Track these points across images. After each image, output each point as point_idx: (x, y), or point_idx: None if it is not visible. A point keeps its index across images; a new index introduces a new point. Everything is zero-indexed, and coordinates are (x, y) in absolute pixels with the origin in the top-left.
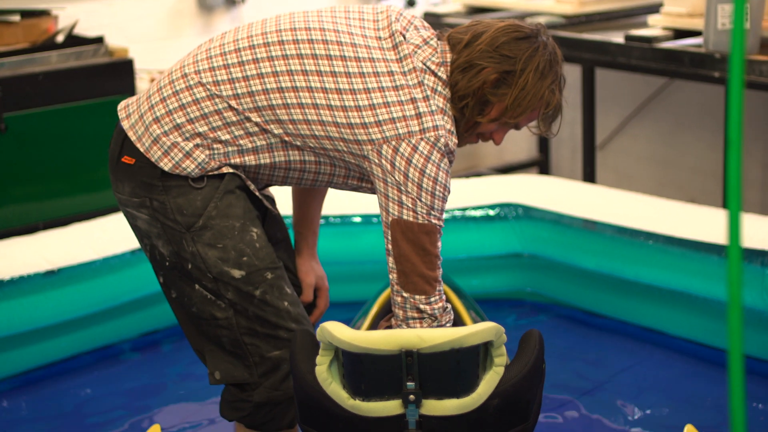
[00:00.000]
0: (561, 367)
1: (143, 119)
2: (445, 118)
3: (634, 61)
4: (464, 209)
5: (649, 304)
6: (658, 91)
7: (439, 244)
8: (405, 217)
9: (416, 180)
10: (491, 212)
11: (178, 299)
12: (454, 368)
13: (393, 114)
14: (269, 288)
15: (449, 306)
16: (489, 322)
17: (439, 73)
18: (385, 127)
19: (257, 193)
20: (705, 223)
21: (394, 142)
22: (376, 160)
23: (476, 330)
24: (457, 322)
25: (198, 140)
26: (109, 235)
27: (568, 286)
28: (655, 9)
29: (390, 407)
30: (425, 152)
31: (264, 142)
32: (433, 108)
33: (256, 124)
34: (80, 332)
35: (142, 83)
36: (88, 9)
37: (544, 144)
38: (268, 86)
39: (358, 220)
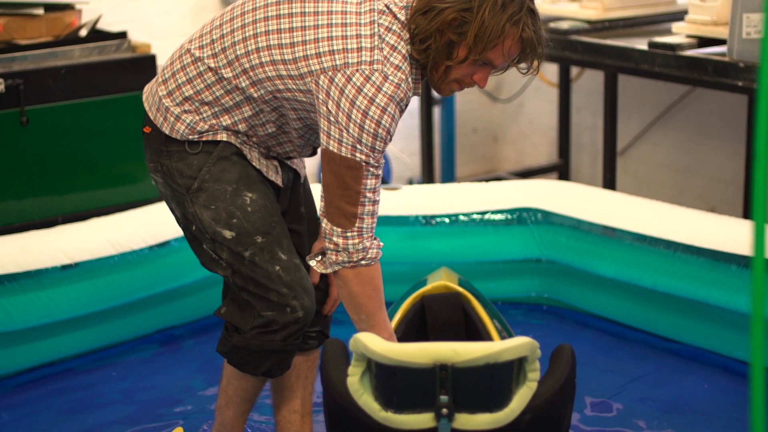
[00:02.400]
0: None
1: (152, 90)
2: (397, 56)
3: (657, 68)
4: (484, 213)
5: (666, 313)
6: (679, 99)
7: (368, 182)
8: (331, 147)
9: (346, 110)
10: (510, 216)
11: (198, 253)
12: (488, 383)
13: (333, 47)
14: (259, 251)
15: (373, 247)
16: (524, 338)
17: (399, 15)
18: (323, 59)
19: (254, 162)
20: (725, 233)
21: (330, 73)
22: (315, 92)
23: (512, 345)
24: (482, 332)
25: (187, 105)
26: (127, 231)
27: (586, 292)
28: (679, 17)
29: (422, 420)
30: (358, 83)
31: (240, 98)
32: (383, 46)
33: (229, 80)
34: (97, 327)
35: None
36: (112, 3)
37: (564, 149)
38: (236, 39)
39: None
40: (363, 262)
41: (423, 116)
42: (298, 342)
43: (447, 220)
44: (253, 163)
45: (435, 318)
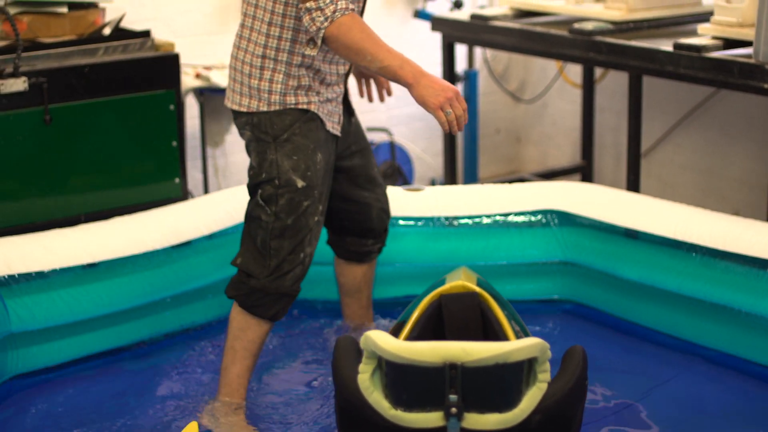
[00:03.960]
0: (598, 378)
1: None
2: None
3: (683, 69)
4: (506, 215)
5: (691, 317)
6: (704, 101)
7: None
8: None
9: None
10: (533, 218)
11: (248, 204)
12: (498, 383)
13: None
14: (312, 203)
15: (341, 0)
16: (534, 338)
17: None
18: None
19: (327, 125)
20: (750, 236)
21: None
22: None
23: (522, 346)
24: (498, 333)
25: (261, 51)
26: (150, 230)
27: (609, 295)
28: (704, 18)
29: (431, 419)
30: None
31: (279, 20)
32: None
33: (272, 12)
34: (119, 326)
35: (186, 78)
36: (134, 2)
37: (587, 150)
38: None
39: (402, 223)
40: (337, 14)
41: None
42: (299, 289)
43: (470, 221)
44: (327, 127)
45: (452, 317)
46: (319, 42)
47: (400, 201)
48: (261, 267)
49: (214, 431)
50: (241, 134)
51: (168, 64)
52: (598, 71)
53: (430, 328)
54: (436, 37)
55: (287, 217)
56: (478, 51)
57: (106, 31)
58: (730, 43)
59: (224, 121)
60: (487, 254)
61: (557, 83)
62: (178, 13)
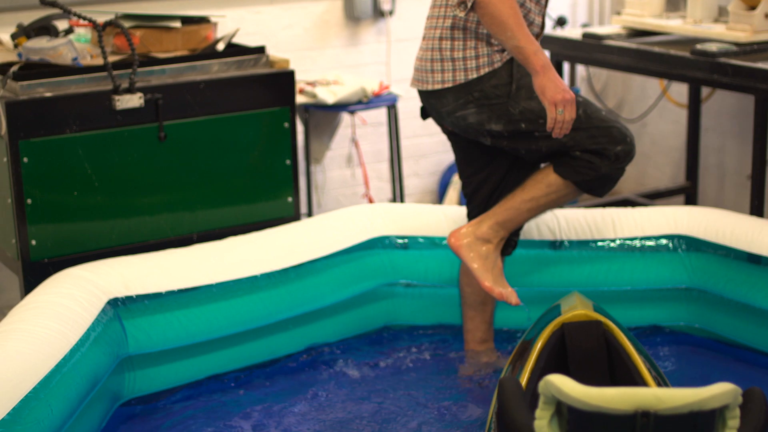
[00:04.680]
0: None
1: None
2: None
3: None
4: (632, 239)
5: None
6: None
7: None
8: None
9: None
10: (660, 243)
11: (529, 152)
12: (690, 431)
13: None
14: (583, 105)
15: None
16: (728, 384)
17: None
18: None
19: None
20: None
21: None
22: None
23: (718, 392)
24: (628, 365)
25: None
26: (265, 251)
27: (737, 322)
28: None
29: None
30: None
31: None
32: None
33: None
34: (238, 347)
35: None
36: (235, 16)
37: (692, 171)
38: None
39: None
40: None
41: None
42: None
43: (596, 245)
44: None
45: (576, 348)
46: (469, 4)
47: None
48: (601, 159)
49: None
50: (455, 117)
51: (283, 81)
52: (704, 91)
53: (553, 359)
54: None
55: (578, 129)
56: (579, 68)
57: (220, 46)
58: None
59: (325, 138)
60: (611, 279)
61: (660, 102)
62: (279, 28)
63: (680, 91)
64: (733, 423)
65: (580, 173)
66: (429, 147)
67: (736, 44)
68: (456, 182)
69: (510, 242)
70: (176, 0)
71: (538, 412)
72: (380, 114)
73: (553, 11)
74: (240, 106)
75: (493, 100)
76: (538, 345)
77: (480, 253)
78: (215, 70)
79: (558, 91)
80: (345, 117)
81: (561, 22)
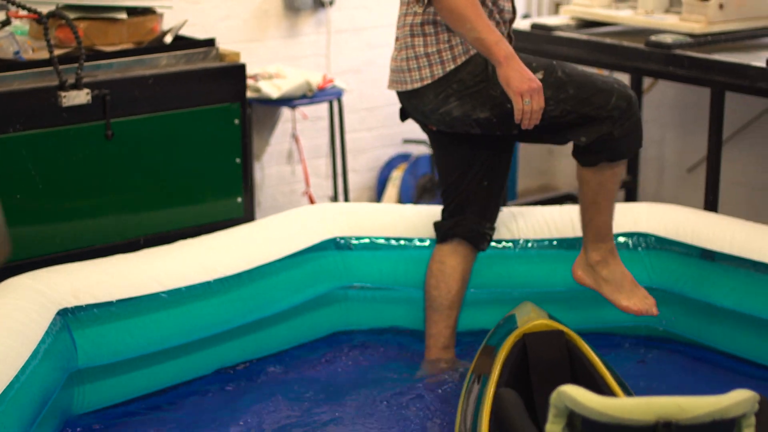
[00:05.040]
0: None
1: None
2: None
3: None
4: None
5: None
6: (760, 115)
7: None
8: None
9: None
10: (619, 241)
11: (523, 131)
12: None
13: None
14: (560, 66)
15: None
16: (748, 391)
17: None
18: None
19: None
20: None
21: None
22: None
23: (739, 400)
24: (593, 374)
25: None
26: (218, 255)
27: (700, 323)
28: None
29: None
30: None
31: None
32: None
33: None
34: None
35: None
36: (175, 6)
37: (632, 164)
38: None
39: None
40: None
41: None
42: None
43: (555, 243)
44: None
45: (538, 357)
46: (425, 0)
47: None
48: (606, 125)
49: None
50: (440, 114)
51: (234, 75)
52: (645, 82)
53: (516, 371)
54: None
55: (567, 94)
56: None
57: (168, 39)
58: None
59: (265, 134)
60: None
61: None
62: (218, 20)
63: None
64: (748, 431)
65: (602, 153)
66: (367, 142)
67: (691, 35)
68: (395, 178)
69: (485, 236)
70: None
71: (548, 426)
72: (319, 108)
73: None
74: (189, 102)
75: (473, 87)
76: (501, 357)
77: (603, 276)
78: (164, 64)
79: (523, 80)
80: (284, 111)
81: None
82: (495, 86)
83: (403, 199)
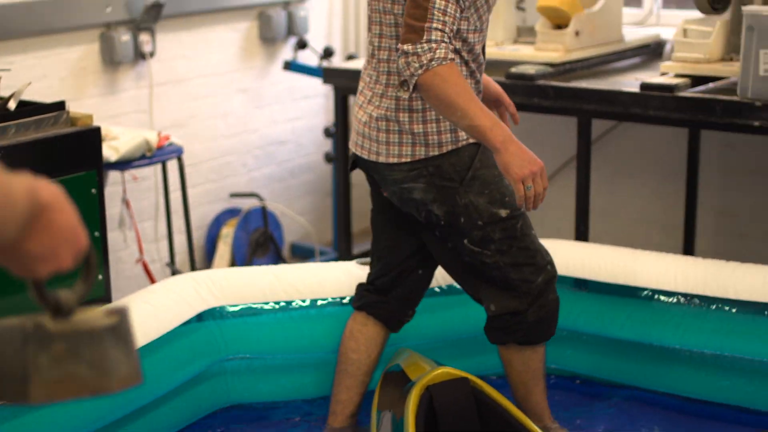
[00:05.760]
0: None
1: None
2: None
3: (652, 111)
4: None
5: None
6: (597, 138)
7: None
8: None
9: None
10: None
11: (453, 250)
12: None
13: None
14: (522, 220)
15: (441, 48)
16: None
17: None
18: None
19: None
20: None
21: None
22: None
23: None
24: (505, 416)
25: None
26: None
27: (589, 356)
28: (627, 55)
29: None
30: None
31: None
32: None
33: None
34: None
35: None
36: None
37: None
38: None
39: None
40: (433, 63)
41: None
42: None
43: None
44: None
45: (445, 409)
46: (411, 87)
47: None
48: (520, 301)
49: None
50: (401, 188)
51: (88, 141)
52: None
53: (423, 425)
54: (296, 89)
55: (510, 248)
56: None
57: (11, 105)
58: (698, 80)
59: None
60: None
61: None
62: (34, 79)
63: None
64: None
65: (504, 331)
66: (192, 199)
67: (551, 65)
68: (226, 235)
69: (402, 322)
70: None
71: None
72: (144, 169)
73: (317, 44)
74: (45, 174)
75: (446, 181)
76: (410, 416)
77: None
78: (12, 133)
79: (523, 165)
80: (112, 174)
81: (328, 53)
82: (464, 194)
83: (236, 257)
